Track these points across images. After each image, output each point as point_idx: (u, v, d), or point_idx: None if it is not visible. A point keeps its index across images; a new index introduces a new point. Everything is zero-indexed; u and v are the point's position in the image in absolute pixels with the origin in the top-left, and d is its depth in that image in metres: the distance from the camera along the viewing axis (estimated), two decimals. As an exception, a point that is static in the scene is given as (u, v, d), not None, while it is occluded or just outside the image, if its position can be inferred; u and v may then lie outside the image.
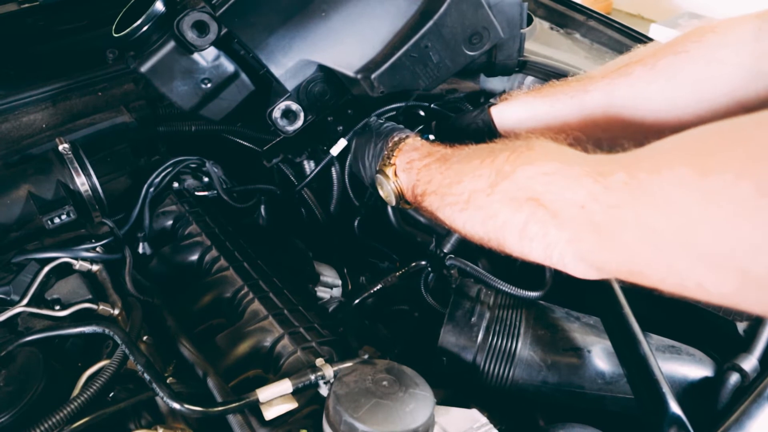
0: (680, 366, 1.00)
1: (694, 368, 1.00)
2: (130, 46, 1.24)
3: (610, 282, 0.99)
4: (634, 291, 0.80)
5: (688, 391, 0.98)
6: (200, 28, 1.19)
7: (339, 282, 1.37)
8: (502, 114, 1.11)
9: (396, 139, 1.08)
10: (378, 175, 1.06)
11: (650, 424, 0.85)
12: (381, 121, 1.23)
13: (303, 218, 1.54)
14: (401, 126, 1.17)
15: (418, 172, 0.98)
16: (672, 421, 0.82)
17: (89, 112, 1.44)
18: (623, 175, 0.63)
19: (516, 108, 1.10)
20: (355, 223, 1.57)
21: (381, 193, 1.07)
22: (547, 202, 0.72)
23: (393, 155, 1.04)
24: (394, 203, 1.04)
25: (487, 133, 1.12)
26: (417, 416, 0.80)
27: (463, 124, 1.16)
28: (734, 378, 0.96)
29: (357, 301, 1.18)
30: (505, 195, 0.78)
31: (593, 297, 1.03)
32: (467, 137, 1.01)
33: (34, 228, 1.13)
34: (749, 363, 0.97)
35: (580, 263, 0.72)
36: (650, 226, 0.59)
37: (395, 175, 1.02)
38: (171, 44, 1.21)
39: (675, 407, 0.84)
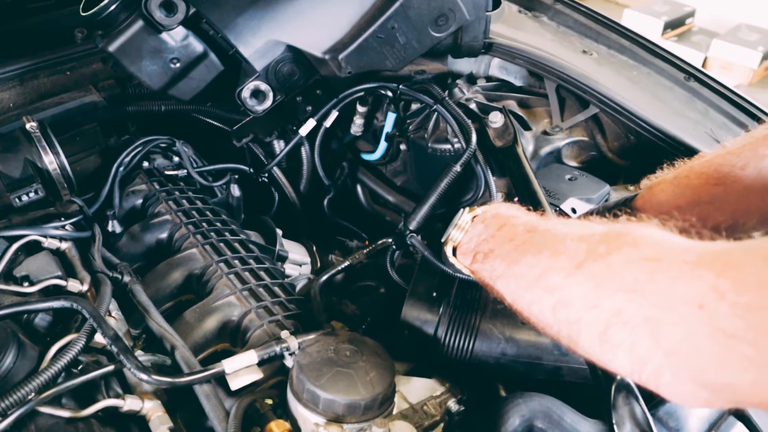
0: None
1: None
2: (98, 25, 1.24)
3: None
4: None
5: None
6: (168, 7, 1.19)
7: (308, 260, 1.40)
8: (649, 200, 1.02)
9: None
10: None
11: (601, 390, 0.89)
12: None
13: (273, 197, 1.56)
14: None
15: (497, 229, 0.84)
16: (621, 387, 0.86)
17: (57, 92, 1.44)
18: (763, 264, 0.49)
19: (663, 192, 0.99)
20: (325, 202, 1.59)
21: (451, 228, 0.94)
22: (648, 295, 0.56)
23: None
24: (448, 247, 0.93)
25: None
26: (377, 384, 0.84)
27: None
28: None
29: (325, 277, 1.20)
30: (590, 279, 0.63)
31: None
32: None
33: (2, 206, 1.14)
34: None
35: (686, 384, 0.55)
36: None
37: (473, 220, 0.91)
38: (139, 23, 1.22)
39: (624, 375, 0.87)
